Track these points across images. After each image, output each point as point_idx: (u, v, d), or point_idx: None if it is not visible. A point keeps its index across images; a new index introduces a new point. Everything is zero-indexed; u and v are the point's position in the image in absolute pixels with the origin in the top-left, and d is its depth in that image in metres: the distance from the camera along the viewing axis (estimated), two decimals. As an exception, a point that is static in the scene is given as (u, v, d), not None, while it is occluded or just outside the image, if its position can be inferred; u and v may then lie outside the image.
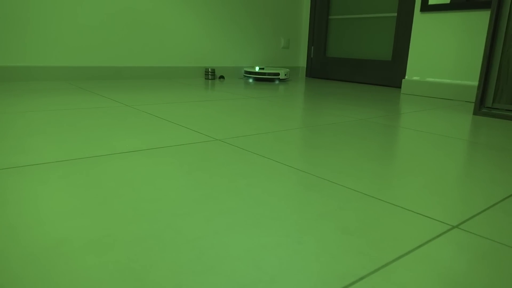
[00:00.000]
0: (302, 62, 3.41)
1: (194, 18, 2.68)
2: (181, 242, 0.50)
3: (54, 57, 2.20)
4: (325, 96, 2.10)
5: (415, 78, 2.34)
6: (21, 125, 1.11)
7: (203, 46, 2.77)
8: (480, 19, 2.05)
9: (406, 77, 2.39)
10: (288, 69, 2.86)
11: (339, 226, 0.56)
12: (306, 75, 3.40)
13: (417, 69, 2.33)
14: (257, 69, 2.72)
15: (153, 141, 0.99)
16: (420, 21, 2.28)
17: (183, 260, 0.46)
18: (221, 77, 2.80)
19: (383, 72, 2.82)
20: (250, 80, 2.77)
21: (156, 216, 0.57)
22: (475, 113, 1.65)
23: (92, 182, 0.70)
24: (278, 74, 2.73)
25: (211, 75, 2.71)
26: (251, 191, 0.68)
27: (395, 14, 2.71)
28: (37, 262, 0.44)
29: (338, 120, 1.39)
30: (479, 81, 1.63)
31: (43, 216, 0.56)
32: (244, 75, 2.86)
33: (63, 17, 2.18)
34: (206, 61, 2.82)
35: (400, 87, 2.74)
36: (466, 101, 2.12)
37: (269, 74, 2.72)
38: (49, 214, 0.57)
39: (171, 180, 0.72)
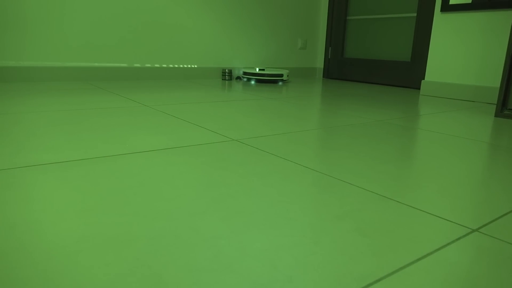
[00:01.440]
0: (319, 63, 3.40)
1: (212, 20, 2.70)
2: (198, 240, 0.51)
3: (74, 58, 2.24)
4: (342, 97, 2.08)
5: (434, 79, 2.31)
6: (42, 124, 1.14)
7: (220, 47, 2.79)
8: (502, 19, 2.00)
9: (426, 78, 2.35)
10: (287, 70, 2.78)
11: (356, 228, 0.56)
12: (323, 76, 3.38)
13: (437, 70, 2.29)
14: (257, 69, 2.63)
15: (171, 141, 1.01)
16: (441, 22, 2.24)
17: (200, 258, 0.46)
18: (238, 78, 2.81)
19: (402, 73, 2.78)
20: (250, 82, 2.66)
21: (174, 214, 0.58)
22: (496, 115, 1.61)
23: (112, 180, 0.71)
24: (282, 75, 2.61)
25: (228, 75, 2.73)
26: (268, 191, 0.68)
27: (415, 15, 2.67)
28: (59, 258, 0.46)
29: (355, 121, 1.38)
30: (501, 82, 1.59)
31: (65, 213, 0.57)
32: (242, 76, 2.74)
33: (82, 18, 2.23)
34: (223, 62, 2.83)
35: (419, 89, 2.70)
36: (487, 103, 2.07)
37: (269, 75, 2.62)
38: (70, 211, 0.58)
39: (189, 179, 0.73)
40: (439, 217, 0.61)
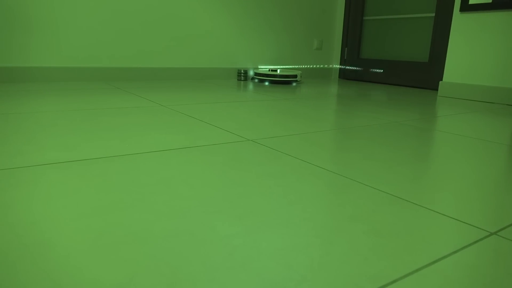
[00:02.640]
0: (335, 63, 3.38)
1: (229, 21, 2.71)
2: (213, 238, 0.51)
3: (93, 59, 2.29)
4: (358, 98, 2.07)
5: (453, 80, 2.27)
6: (61, 123, 1.17)
7: (236, 48, 2.80)
8: (524, 19, 1.96)
9: (444, 79, 2.32)
10: (300, 71, 2.76)
11: (371, 229, 0.56)
12: (339, 77, 3.36)
13: (455, 71, 2.25)
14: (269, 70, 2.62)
15: (187, 141, 1.02)
16: (460, 22, 2.20)
17: (216, 256, 0.47)
18: (254, 78, 2.82)
19: (419, 74, 2.75)
20: (263, 82, 2.66)
21: (190, 212, 0.59)
22: (517, 117, 1.58)
23: (129, 178, 0.72)
24: (296, 75, 2.58)
25: (244, 76, 2.74)
26: (283, 191, 0.69)
27: (433, 15, 2.63)
28: (78, 254, 0.47)
29: (371, 122, 1.37)
30: (522, 83, 1.56)
31: (83, 210, 0.58)
32: (254, 76, 2.73)
33: (101, 19, 2.27)
34: (239, 62, 2.84)
35: (437, 90, 2.66)
36: (507, 105, 2.03)
37: (281, 76, 2.59)
38: (89, 208, 0.59)
39: (204, 179, 0.74)
40: (456, 219, 0.60)
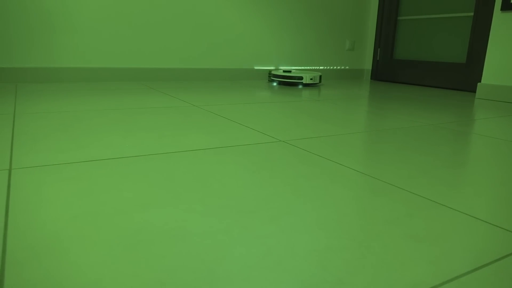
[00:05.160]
0: (368, 64, 3.32)
1: (259, 22, 2.72)
2: (248, 238, 0.52)
3: (128, 60, 2.35)
4: (391, 99, 2.03)
5: (492, 82, 2.19)
6: (100, 122, 1.21)
7: (267, 48, 2.81)
8: None
9: (482, 80, 2.23)
10: (319, 73, 2.66)
11: (408, 233, 0.55)
12: (371, 78, 3.30)
13: (495, 72, 2.17)
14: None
15: (220, 141, 1.03)
16: (501, 21, 2.12)
17: (250, 256, 0.47)
18: (273, 80, 2.81)
19: (456, 76, 2.66)
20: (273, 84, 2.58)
21: (224, 212, 0.60)
22: (562, 121, 1.50)
23: (165, 177, 0.74)
24: (301, 78, 2.48)
25: (274, 77, 2.73)
26: (316, 193, 0.68)
27: (472, 14, 2.54)
28: (117, 249, 0.48)
29: (405, 124, 1.34)
30: None
31: (122, 207, 0.60)
32: (271, 79, 2.69)
33: (134, 22, 2.33)
34: (270, 63, 2.85)
35: (474, 92, 2.57)
36: (551, 108, 1.93)
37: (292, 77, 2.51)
38: (128, 204, 0.61)
39: (238, 179, 0.74)
40: (497, 226, 0.58)
